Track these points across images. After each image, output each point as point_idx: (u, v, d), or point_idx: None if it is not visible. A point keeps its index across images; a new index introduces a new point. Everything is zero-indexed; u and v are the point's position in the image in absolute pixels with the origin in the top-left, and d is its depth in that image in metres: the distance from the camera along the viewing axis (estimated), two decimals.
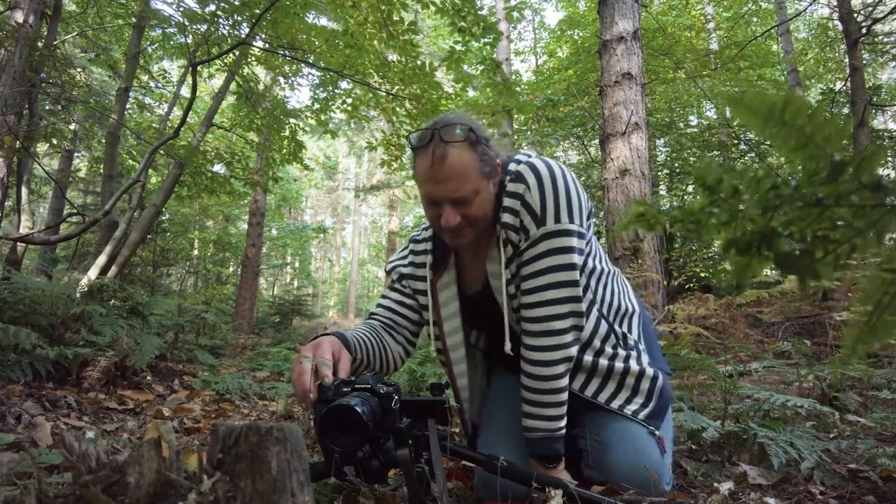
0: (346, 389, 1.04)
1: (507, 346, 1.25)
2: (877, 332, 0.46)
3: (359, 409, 0.95)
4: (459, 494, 1.28)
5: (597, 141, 8.40)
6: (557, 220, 1.17)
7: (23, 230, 5.37)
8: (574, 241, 1.18)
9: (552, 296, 1.18)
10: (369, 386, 1.03)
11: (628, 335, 1.32)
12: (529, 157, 1.25)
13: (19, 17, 3.85)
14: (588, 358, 1.26)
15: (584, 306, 1.20)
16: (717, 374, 1.93)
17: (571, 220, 1.18)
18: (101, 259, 3.96)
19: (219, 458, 0.52)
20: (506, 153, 1.28)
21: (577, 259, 1.19)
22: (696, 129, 9.89)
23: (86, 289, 3.33)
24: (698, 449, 1.65)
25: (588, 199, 1.26)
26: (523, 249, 1.21)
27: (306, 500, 0.53)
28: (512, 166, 1.23)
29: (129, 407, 2.38)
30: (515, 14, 11.91)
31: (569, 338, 1.19)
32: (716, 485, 1.11)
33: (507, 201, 1.21)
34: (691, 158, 9.46)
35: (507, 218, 1.21)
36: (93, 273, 3.82)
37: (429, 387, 1.18)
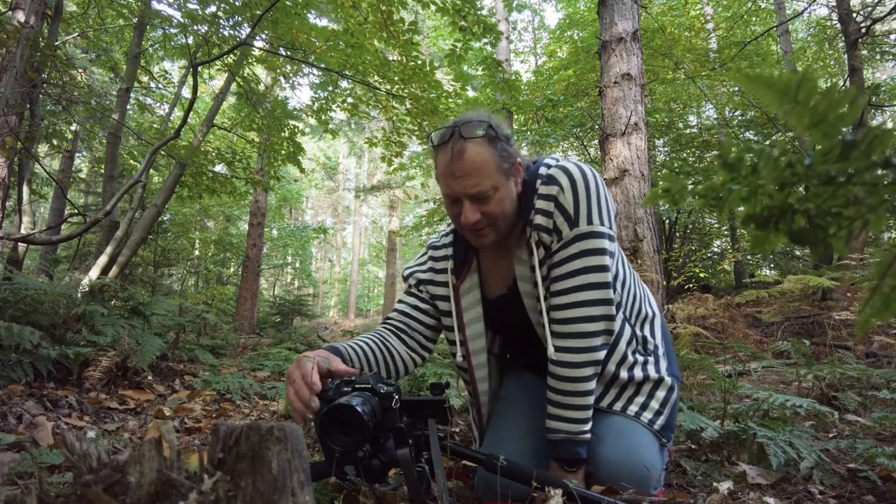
0: (346, 389, 1.04)
1: (551, 350, 1.22)
2: (892, 303, 0.47)
3: (359, 409, 0.95)
4: (459, 494, 1.28)
5: (596, 141, 8.40)
6: (590, 221, 1.17)
7: (24, 230, 5.37)
8: (606, 244, 1.18)
9: (584, 297, 1.18)
10: (370, 385, 1.04)
11: (649, 339, 1.32)
12: (558, 160, 1.25)
13: (21, 17, 3.86)
14: (610, 368, 1.25)
15: (615, 310, 1.19)
16: (716, 374, 1.93)
17: (602, 223, 1.18)
18: (103, 259, 3.96)
19: (220, 458, 0.52)
20: (528, 155, 1.28)
21: (609, 261, 1.18)
22: (695, 130, 9.88)
23: (87, 289, 3.33)
24: (698, 448, 1.66)
25: (614, 202, 1.25)
26: (555, 251, 1.20)
27: (307, 500, 0.53)
28: (543, 170, 1.23)
29: (130, 407, 2.38)
30: (515, 7, 11.86)
31: (598, 341, 1.19)
32: (715, 484, 1.11)
33: (539, 203, 1.20)
34: (690, 158, 9.45)
35: (539, 220, 1.20)
36: (94, 273, 3.83)
37: (429, 386, 1.18)
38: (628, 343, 1.27)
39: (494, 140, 1.18)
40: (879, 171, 0.40)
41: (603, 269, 1.18)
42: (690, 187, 0.48)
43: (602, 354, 1.20)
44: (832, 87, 0.41)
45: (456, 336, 1.38)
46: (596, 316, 1.18)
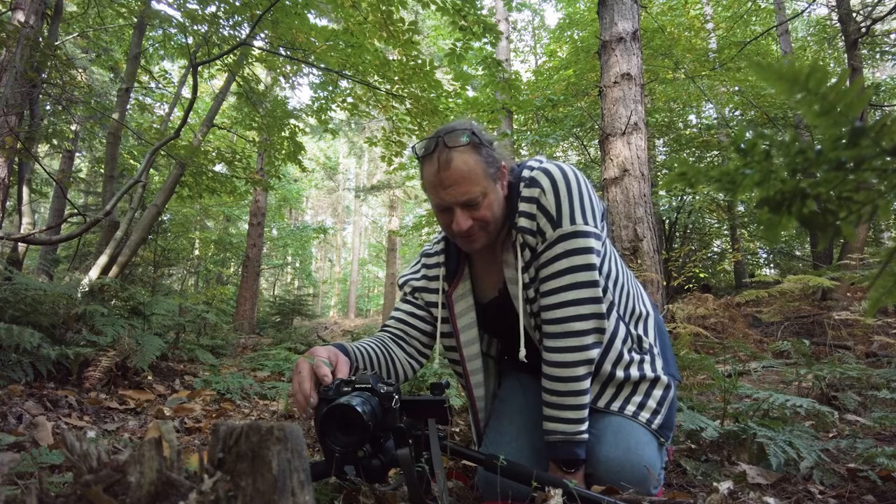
0: (346, 389, 1.04)
1: (522, 353, 1.24)
2: None
3: (359, 409, 0.95)
4: (459, 494, 1.28)
5: (596, 141, 8.39)
6: (573, 221, 1.18)
7: (24, 230, 5.37)
8: (592, 242, 1.19)
9: (573, 296, 1.18)
10: (370, 385, 1.04)
11: (643, 338, 1.32)
12: (541, 162, 1.26)
13: (21, 17, 3.86)
14: (607, 367, 1.25)
15: (604, 307, 1.20)
16: (716, 374, 1.93)
17: (586, 222, 1.18)
18: (103, 259, 3.96)
19: (220, 458, 0.52)
20: (511, 157, 1.29)
21: (595, 260, 1.19)
22: (695, 130, 9.88)
23: (87, 289, 3.33)
24: (698, 448, 1.66)
25: (600, 201, 1.26)
26: (541, 252, 1.21)
27: (307, 500, 0.53)
28: (525, 172, 1.24)
29: (130, 407, 2.38)
30: (515, 7, 11.83)
31: (589, 339, 1.19)
32: (715, 484, 1.11)
33: (522, 206, 1.21)
34: (690, 158, 9.45)
35: (523, 222, 1.21)
36: (94, 273, 3.83)
37: (429, 387, 1.18)
38: (623, 342, 1.27)
39: (479, 146, 1.19)
40: (888, 158, 0.41)
41: (589, 267, 1.18)
42: (704, 171, 0.48)
43: (594, 353, 1.20)
44: (841, 77, 0.41)
45: (439, 341, 1.39)
46: (585, 314, 1.18)
